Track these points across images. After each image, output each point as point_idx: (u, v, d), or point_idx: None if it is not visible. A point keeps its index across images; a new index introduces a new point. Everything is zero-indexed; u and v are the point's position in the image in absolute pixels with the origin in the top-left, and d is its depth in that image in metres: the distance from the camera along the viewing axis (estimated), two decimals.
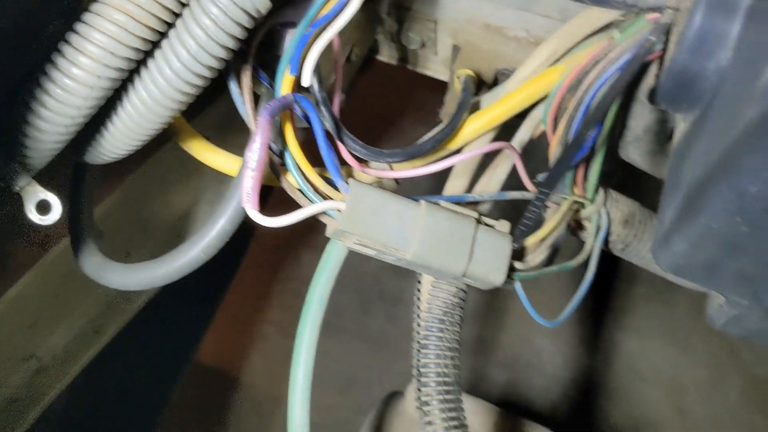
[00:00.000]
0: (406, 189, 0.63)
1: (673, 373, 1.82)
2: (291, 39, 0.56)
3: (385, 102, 1.89)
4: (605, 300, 1.90)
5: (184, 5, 0.47)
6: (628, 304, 1.90)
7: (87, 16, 0.45)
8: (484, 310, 1.87)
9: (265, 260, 1.88)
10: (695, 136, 0.55)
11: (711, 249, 0.50)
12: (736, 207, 0.45)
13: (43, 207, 0.49)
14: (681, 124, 0.60)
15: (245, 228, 0.59)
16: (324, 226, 0.57)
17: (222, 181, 0.93)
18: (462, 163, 0.66)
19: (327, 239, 0.60)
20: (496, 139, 0.68)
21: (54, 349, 0.79)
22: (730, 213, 0.46)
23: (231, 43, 0.48)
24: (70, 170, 0.63)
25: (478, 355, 1.82)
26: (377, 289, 1.88)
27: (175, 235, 0.90)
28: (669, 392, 1.79)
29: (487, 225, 0.60)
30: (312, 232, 1.90)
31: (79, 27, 0.45)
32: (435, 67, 0.89)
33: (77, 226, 0.61)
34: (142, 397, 1.30)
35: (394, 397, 0.99)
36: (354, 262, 0.62)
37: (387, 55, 0.93)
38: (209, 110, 0.87)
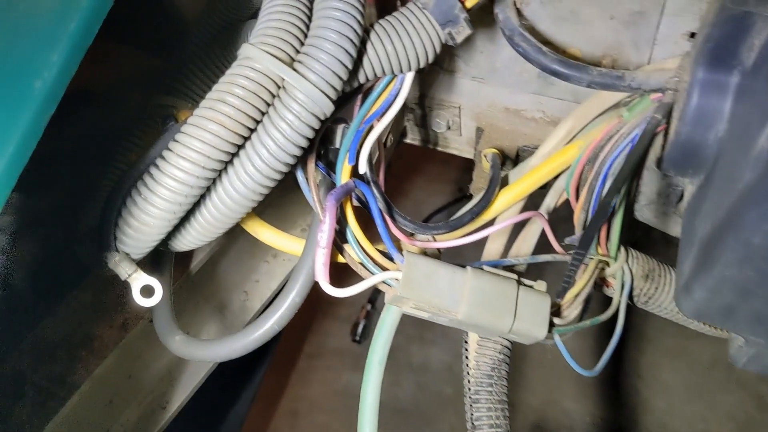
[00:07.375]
0: (447, 256, 0.71)
1: (702, 427, 1.83)
2: (345, 133, 0.65)
3: (401, 176, 1.99)
4: (630, 359, 1.92)
5: (263, 113, 0.56)
6: (653, 362, 1.92)
7: (186, 127, 0.54)
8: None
9: (289, 341, 1.93)
10: (703, 197, 0.61)
11: (727, 294, 0.56)
12: (743, 256, 0.51)
13: (147, 291, 0.56)
14: (689, 187, 0.67)
15: None
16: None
17: (254, 271, 1.01)
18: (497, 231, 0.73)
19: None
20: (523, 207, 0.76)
21: (126, 426, 0.84)
22: (740, 262, 0.51)
23: (304, 143, 0.56)
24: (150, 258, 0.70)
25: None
26: (406, 360, 1.93)
27: (216, 321, 0.97)
28: None
29: (526, 285, 0.67)
30: (326, 315, 1.96)
31: (180, 136, 0.54)
32: (459, 147, 0.97)
33: (161, 309, 0.68)
34: None
35: None
36: None
37: (412, 137, 1.02)
38: None
